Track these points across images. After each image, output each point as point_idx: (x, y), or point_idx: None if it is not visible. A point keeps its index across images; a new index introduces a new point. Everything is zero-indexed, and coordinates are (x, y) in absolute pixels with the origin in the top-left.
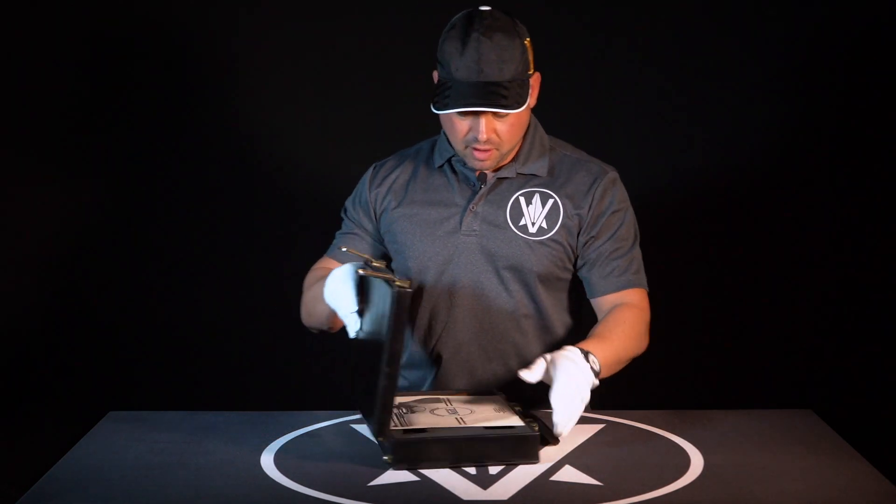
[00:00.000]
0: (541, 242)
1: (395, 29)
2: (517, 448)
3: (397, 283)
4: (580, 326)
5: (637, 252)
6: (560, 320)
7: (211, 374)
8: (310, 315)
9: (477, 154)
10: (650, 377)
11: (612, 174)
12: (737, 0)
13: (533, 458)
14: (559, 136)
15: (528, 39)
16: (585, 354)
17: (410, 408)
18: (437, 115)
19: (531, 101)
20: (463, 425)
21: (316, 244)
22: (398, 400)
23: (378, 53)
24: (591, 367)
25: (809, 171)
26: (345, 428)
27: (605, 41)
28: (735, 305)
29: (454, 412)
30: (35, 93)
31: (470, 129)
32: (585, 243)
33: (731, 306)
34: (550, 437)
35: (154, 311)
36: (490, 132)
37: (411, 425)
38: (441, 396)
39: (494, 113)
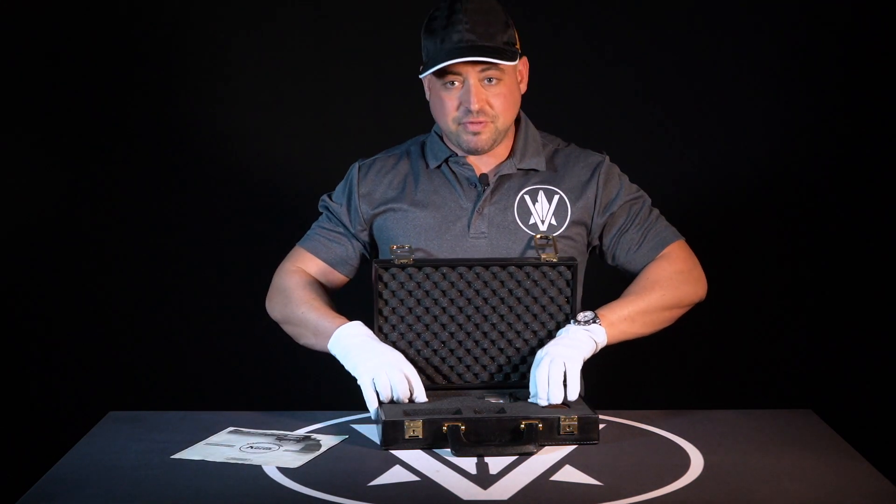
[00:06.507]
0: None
1: (379, 26)
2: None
3: None
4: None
5: (656, 214)
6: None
7: (211, 374)
8: (295, 334)
9: (471, 127)
10: (650, 377)
11: (606, 159)
12: (738, 5)
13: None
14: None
15: (513, 24)
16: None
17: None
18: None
19: (522, 85)
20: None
21: None
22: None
23: (367, 49)
24: (577, 320)
25: (808, 171)
26: (345, 428)
27: (607, 47)
28: (735, 305)
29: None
30: (36, 93)
31: (461, 103)
32: (613, 237)
33: (731, 306)
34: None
35: (154, 311)
36: (482, 102)
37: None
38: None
39: (485, 79)
